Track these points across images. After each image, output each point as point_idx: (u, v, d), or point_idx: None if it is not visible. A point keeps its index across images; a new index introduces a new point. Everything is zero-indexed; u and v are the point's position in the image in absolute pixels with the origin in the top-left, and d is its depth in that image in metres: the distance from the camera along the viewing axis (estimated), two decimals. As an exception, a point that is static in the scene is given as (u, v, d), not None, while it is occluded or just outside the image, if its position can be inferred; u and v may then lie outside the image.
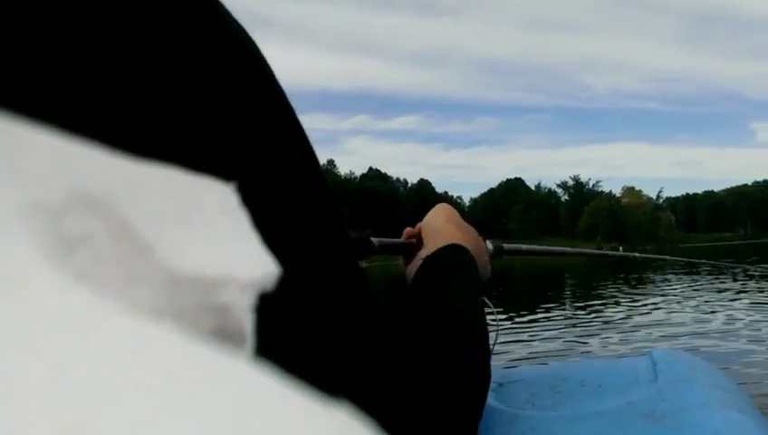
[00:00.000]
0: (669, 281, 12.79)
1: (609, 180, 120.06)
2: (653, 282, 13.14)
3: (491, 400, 0.79)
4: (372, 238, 0.66)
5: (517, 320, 7.32)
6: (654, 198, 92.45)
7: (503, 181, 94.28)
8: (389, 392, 0.36)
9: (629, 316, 7.09)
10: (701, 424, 0.65)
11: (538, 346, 5.20)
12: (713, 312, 7.14)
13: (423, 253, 0.63)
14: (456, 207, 0.72)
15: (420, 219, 0.72)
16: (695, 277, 12.95)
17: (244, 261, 0.16)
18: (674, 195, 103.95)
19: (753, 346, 4.85)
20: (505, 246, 0.95)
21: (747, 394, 0.87)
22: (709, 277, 12.89)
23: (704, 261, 1.64)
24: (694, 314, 7.02)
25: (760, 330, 5.61)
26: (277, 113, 0.29)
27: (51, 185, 0.13)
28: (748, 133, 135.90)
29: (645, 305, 8.37)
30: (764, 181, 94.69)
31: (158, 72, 0.22)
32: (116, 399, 0.10)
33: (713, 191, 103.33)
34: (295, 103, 0.31)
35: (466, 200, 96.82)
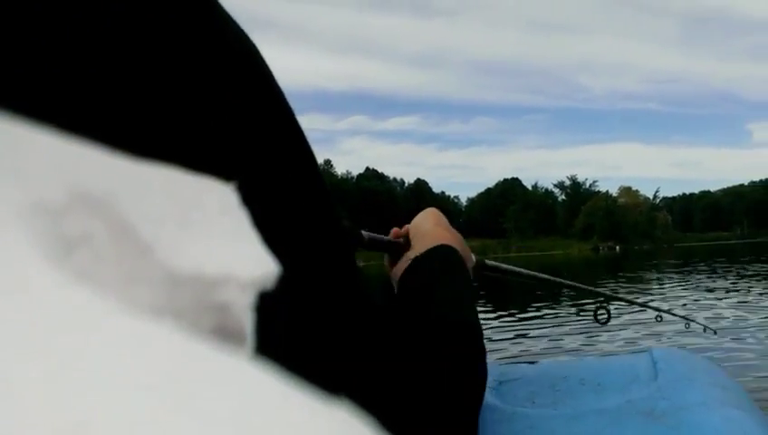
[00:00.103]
0: (661, 281, 12.85)
1: (605, 180, 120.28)
2: (648, 280, 13.19)
3: (490, 398, 0.79)
4: (363, 232, 0.66)
5: (513, 319, 7.34)
6: (651, 197, 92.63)
7: (500, 181, 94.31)
8: (389, 391, 0.36)
9: (639, 314, 7.11)
10: (701, 422, 0.65)
11: (533, 344, 5.22)
12: (709, 309, 7.17)
13: (411, 254, 0.63)
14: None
15: None
16: (687, 278, 13.00)
17: (244, 260, 0.17)
18: (670, 195, 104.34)
19: (752, 345, 4.87)
20: (488, 262, 0.94)
21: (747, 392, 0.87)
22: (699, 276, 12.95)
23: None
24: (688, 312, 7.06)
25: (753, 328, 5.64)
26: (276, 114, 0.29)
27: (51, 185, 0.14)
28: (744, 134, 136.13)
29: (652, 302, 8.40)
30: (760, 181, 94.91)
31: (158, 72, 0.22)
32: (116, 398, 0.10)
33: (709, 191, 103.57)
34: (292, 103, 0.31)
35: (463, 200, 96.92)
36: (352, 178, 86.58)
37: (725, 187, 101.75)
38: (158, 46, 0.22)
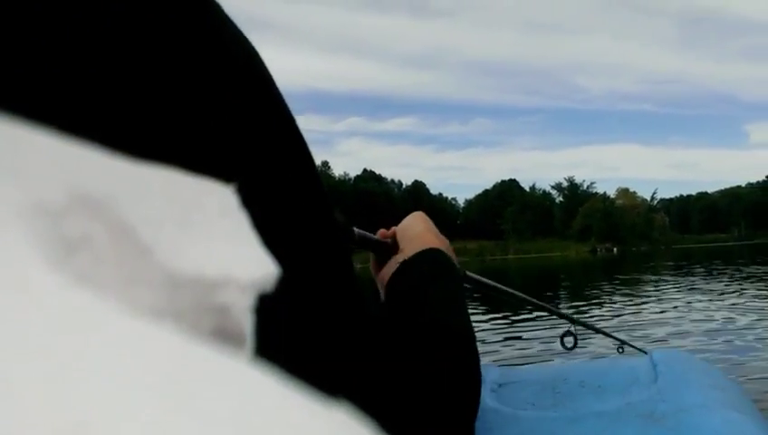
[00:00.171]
0: (658, 282, 12.87)
1: (603, 182, 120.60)
2: (646, 282, 13.21)
3: (490, 400, 0.79)
4: (355, 229, 0.66)
5: (510, 319, 7.34)
6: (648, 199, 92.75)
7: (497, 183, 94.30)
8: (388, 393, 0.36)
9: (623, 316, 7.13)
10: (700, 425, 0.65)
11: (531, 346, 5.23)
12: (706, 311, 7.19)
13: (400, 256, 0.63)
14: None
15: None
16: (690, 278, 13.02)
17: (243, 262, 0.17)
18: (668, 196, 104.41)
19: (749, 344, 4.88)
20: (468, 273, 0.93)
21: (747, 394, 0.87)
22: (693, 278, 12.97)
23: None
24: (686, 314, 7.07)
25: (751, 329, 5.65)
26: (275, 115, 0.29)
27: (51, 186, 0.14)
28: (741, 135, 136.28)
29: (637, 305, 8.43)
30: (758, 183, 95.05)
31: (158, 73, 0.22)
32: (116, 399, 0.10)
33: (706, 193, 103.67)
34: (290, 105, 0.31)
35: (461, 202, 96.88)
36: (350, 179, 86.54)
37: (723, 188, 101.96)
38: (157, 47, 0.22)
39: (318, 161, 0.33)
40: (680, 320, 6.59)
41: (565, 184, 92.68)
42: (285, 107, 0.30)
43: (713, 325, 6.03)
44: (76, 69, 0.19)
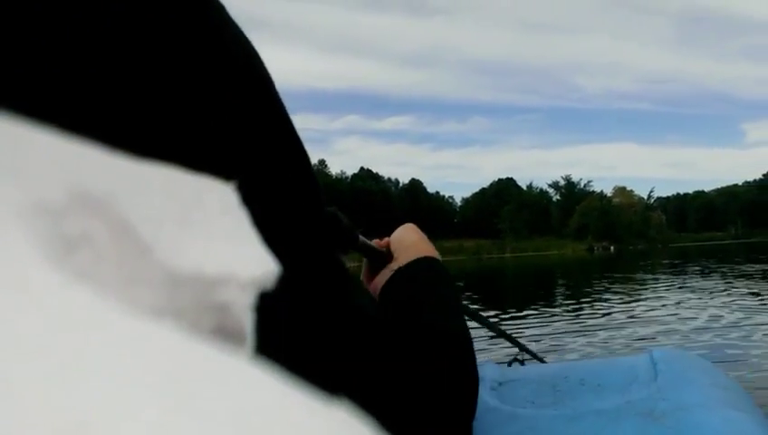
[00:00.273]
0: (650, 281, 12.92)
1: (600, 180, 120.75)
2: (642, 281, 13.25)
3: (491, 398, 0.79)
4: (360, 235, 0.67)
5: (508, 318, 7.36)
6: (645, 197, 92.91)
7: (494, 181, 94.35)
8: (388, 391, 0.36)
9: (619, 314, 7.16)
10: (700, 423, 0.65)
11: (533, 347, 5.23)
12: (701, 309, 7.21)
13: (394, 265, 0.65)
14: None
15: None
16: (683, 277, 13.07)
17: (244, 260, 0.17)
18: (665, 195, 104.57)
19: (746, 342, 4.90)
20: None
21: (748, 393, 0.87)
22: (683, 277, 13.03)
23: None
24: (681, 311, 7.11)
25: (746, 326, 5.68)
26: (273, 114, 0.29)
27: (51, 185, 0.13)
28: (738, 134, 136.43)
29: (634, 303, 8.46)
30: (754, 181, 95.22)
31: (158, 72, 0.22)
32: (116, 398, 0.10)
33: (703, 191, 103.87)
34: (286, 103, 0.31)
35: (458, 200, 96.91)
36: (347, 178, 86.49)
37: (720, 187, 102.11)
38: (158, 47, 0.22)
39: (315, 160, 0.33)
40: (671, 318, 6.62)
41: (562, 183, 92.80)
42: (282, 106, 0.30)
43: (701, 323, 6.06)
44: (76, 68, 0.19)
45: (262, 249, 0.18)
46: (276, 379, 0.12)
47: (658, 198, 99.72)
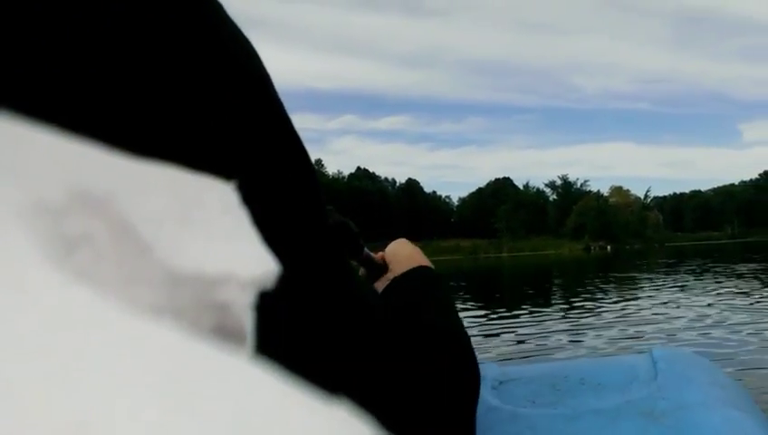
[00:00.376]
0: (646, 280, 12.96)
1: (597, 180, 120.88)
2: (638, 280, 13.28)
3: (491, 398, 0.79)
4: (365, 248, 0.71)
5: (504, 317, 7.38)
6: (642, 197, 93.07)
7: (491, 181, 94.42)
8: (388, 391, 0.36)
9: (616, 313, 7.18)
10: (700, 422, 0.65)
11: (527, 344, 5.25)
12: (698, 307, 7.24)
13: (390, 275, 0.68)
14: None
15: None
16: (675, 277, 13.11)
17: (244, 259, 0.17)
18: (661, 194, 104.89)
19: (745, 340, 4.92)
20: None
21: (748, 392, 0.87)
22: (674, 276, 13.08)
23: None
24: (679, 310, 7.13)
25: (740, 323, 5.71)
26: (273, 113, 0.29)
27: (51, 185, 0.13)
28: (735, 134, 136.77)
29: (630, 302, 8.49)
30: (751, 181, 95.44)
31: (158, 71, 0.22)
32: (116, 398, 0.10)
33: (700, 191, 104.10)
34: (284, 103, 0.31)
35: (455, 200, 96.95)
36: (343, 177, 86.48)
37: (716, 186, 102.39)
38: (157, 46, 0.22)
39: (312, 160, 0.33)
40: (667, 317, 6.64)
41: (559, 182, 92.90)
42: (281, 106, 0.30)
43: (700, 322, 6.09)
44: (76, 68, 0.19)
45: (262, 249, 0.18)
46: (276, 378, 0.12)
47: (655, 198, 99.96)
